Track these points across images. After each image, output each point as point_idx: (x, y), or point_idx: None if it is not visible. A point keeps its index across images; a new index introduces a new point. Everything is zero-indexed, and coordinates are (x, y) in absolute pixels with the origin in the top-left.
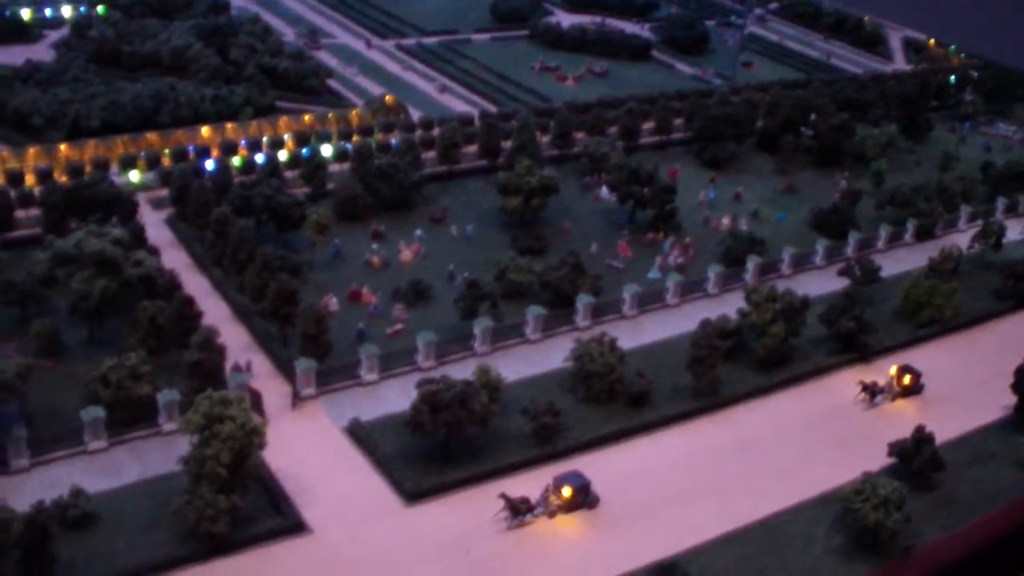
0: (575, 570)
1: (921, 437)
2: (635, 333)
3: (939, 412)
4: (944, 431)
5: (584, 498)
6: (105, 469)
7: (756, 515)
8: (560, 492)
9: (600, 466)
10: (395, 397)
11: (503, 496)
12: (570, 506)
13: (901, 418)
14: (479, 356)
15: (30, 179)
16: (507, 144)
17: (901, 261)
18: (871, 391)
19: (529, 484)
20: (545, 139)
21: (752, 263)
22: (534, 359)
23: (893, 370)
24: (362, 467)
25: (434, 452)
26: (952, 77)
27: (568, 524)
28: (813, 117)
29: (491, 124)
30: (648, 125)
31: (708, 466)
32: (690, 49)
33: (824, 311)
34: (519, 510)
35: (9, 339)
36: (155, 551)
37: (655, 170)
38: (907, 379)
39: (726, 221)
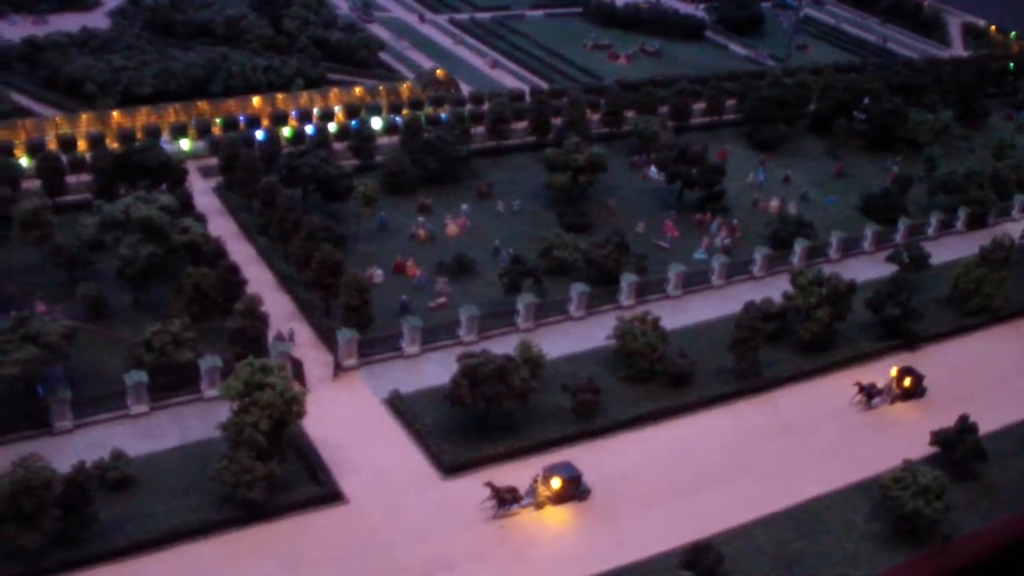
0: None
1: (965, 426)
2: (678, 313)
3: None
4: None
5: (575, 490)
6: (146, 433)
7: (794, 499)
8: (549, 483)
9: (638, 445)
10: (436, 370)
11: (489, 484)
12: (559, 498)
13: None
14: (521, 332)
15: (82, 145)
16: (557, 121)
17: (951, 249)
18: (868, 393)
19: (574, 454)
20: (595, 117)
21: (799, 246)
22: (576, 336)
23: (893, 371)
24: (400, 439)
25: (473, 426)
26: (1011, 64)
27: (568, 513)
28: (866, 101)
29: (541, 100)
30: (699, 105)
31: (747, 448)
32: (744, 30)
33: (870, 297)
34: (505, 500)
35: (56, 302)
36: (192, 515)
37: (704, 150)
38: (907, 381)
39: (774, 203)
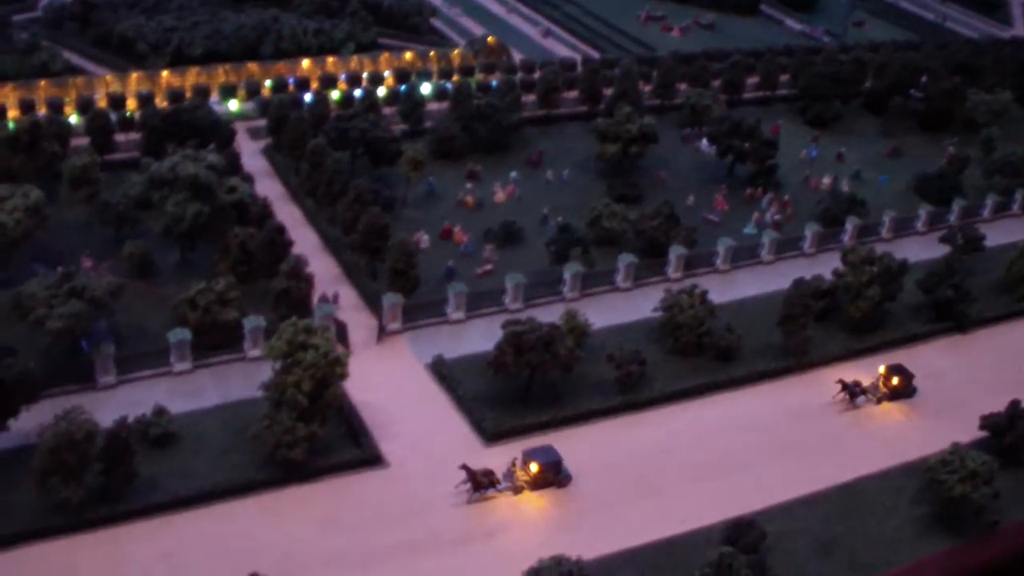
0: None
1: (1016, 411)
2: (727, 287)
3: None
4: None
5: (555, 475)
6: (188, 390)
7: (838, 479)
8: (528, 467)
9: (682, 419)
10: (480, 337)
11: (464, 467)
12: (537, 483)
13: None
14: (567, 301)
15: (132, 103)
16: (608, 92)
17: (1007, 232)
18: (851, 391)
19: (607, 433)
20: (647, 88)
21: (851, 224)
22: (623, 307)
23: (882, 369)
24: (443, 404)
25: (516, 394)
26: None
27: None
28: (924, 80)
29: (593, 70)
30: (753, 80)
31: (792, 426)
32: (801, 5)
33: (922, 277)
34: (481, 484)
35: (103, 259)
36: (232, 473)
37: (757, 125)
38: (896, 380)
39: (827, 180)
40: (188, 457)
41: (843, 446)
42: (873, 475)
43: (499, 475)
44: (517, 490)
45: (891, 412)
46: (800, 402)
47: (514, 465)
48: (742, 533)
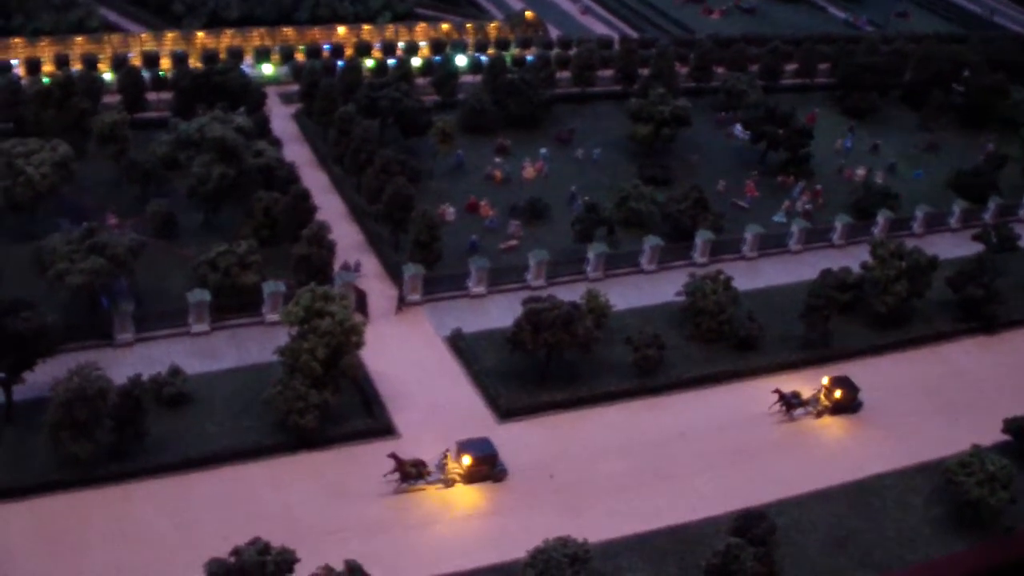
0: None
1: None
2: (752, 275)
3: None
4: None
5: (490, 469)
6: (204, 352)
7: (853, 475)
8: (460, 459)
9: (698, 406)
10: (500, 312)
11: (393, 456)
12: (470, 476)
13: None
14: (590, 281)
15: (165, 63)
16: (644, 72)
17: None
18: (787, 402)
19: (622, 416)
20: (683, 70)
21: (883, 217)
22: (646, 290)
23: (825, 380)
24: (459, 378)
25: (533, 372)
26: None
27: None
28: (966, 74)
29: (630, 49)
30: (791, 67)
31: (806, 422)
32: None
33: (952, 275)
34: (409, 474)
35: (128, 217)
36: (243, 437)
37: (793, 112)
38: (838, 393)
39: (860, 172)
40: (200, 418)
41: (861, 442)
42: (890, 472)
43: (431, 466)
44: (448, 483)
45: (895, 413)
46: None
47: (446, 456)
48: (751, 524)
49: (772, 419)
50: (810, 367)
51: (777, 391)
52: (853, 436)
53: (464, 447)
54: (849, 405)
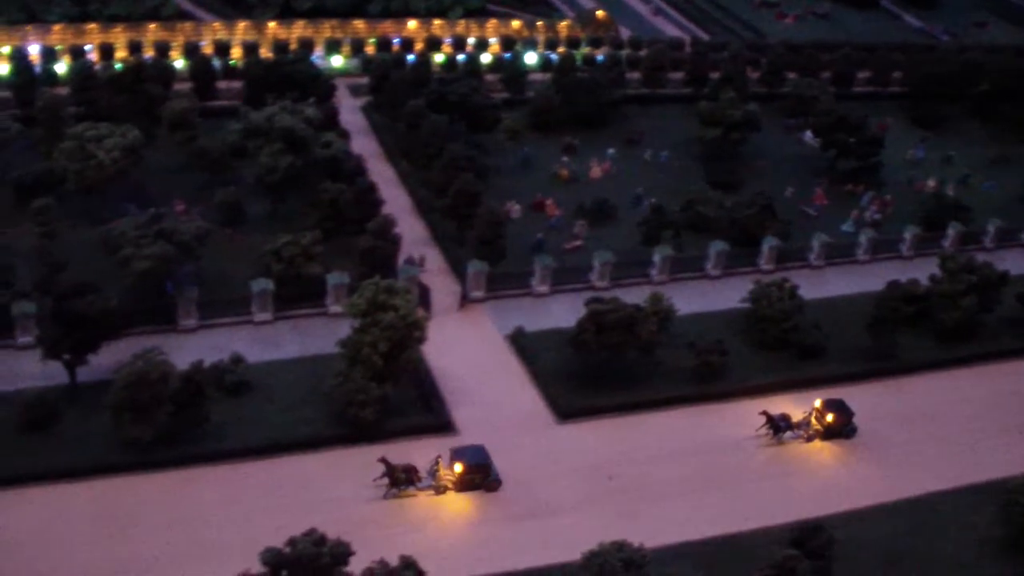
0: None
1: None
2: (818, 284)
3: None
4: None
5: (482, 478)
6: (266, 341)
7: (913, 491)
8: (452, 467)
9: (758, 415)
10: (563, 312)
11: (383, 460)
12: (462, 485)
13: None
14: (654, 284)
15: (236, 52)
16: (714, 75)
17: None
18: (775, 425)
19: (680, 422)
20: (754, 75)
21: (953, 230)
22: (710, 295)
23: (817, 403)
24: (519, 377)
25: (593, 373)
26: None
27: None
28: None
29: (701, 52)
30: (864, 75)
31: (871, 432)
32: (923, 2)
33: (1023, 291)
34: (398, 480)
35: (195, 203)
36: (302, 427)
37: (864, 120)
38: (830, 417)
39: (931, 183)
40: (260, 407)
41: (923, 458)
42: (952, 490)
43: (422, 472)
44: (439, 490)
45: (958, 429)
46: (885, 408)
47: (437, 463)
48: (809, 537)
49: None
50: (874, 379)
51: (764, 413)
52: (918, 450)
53: (457, 454)
54: (841, 430)
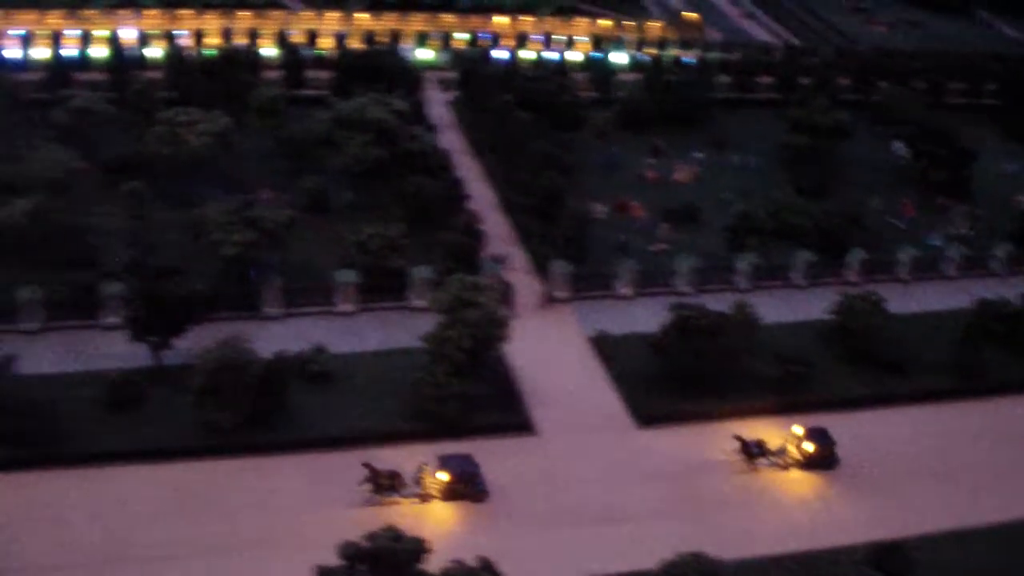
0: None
1: None
2: (905, 298)
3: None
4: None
5: (470, 488)
6: (349, 332)
7: (1000, 516)
8: (437, 475)
9: (840, 428)
10: (646, 316)
11: (367, 466)
12: (448, 494)
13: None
14: (739, 291)
15: (325, 42)
16: (804, 81)
17: None
18: (749, 451)
19: (763, 432)
20: (845, 82)
21: None
22: (795, 304)
23: (799, 431)
24: (600, 380)
25: (675, 379)
26: None
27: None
28: None
29: (792, 57)
30: (957, 85)
31: (958, 452)
32: (1019, 10)
33: None
34: (382, 486)
35: (281, 191)
36: (382, 420)
37: (957, 131)
38: (810, 447)
39: None
40: (340, 397)
41: (1012, 482)
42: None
43: (407, 478)
44: (424, 498)
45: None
46: (970, 428)
47: (422, 471)
48: (887, 558)
49: (914, 447)
50: (961, 399)
51: (738, 437)
52: (1008, 473)
53: (444, 463)
54: (822, 460)
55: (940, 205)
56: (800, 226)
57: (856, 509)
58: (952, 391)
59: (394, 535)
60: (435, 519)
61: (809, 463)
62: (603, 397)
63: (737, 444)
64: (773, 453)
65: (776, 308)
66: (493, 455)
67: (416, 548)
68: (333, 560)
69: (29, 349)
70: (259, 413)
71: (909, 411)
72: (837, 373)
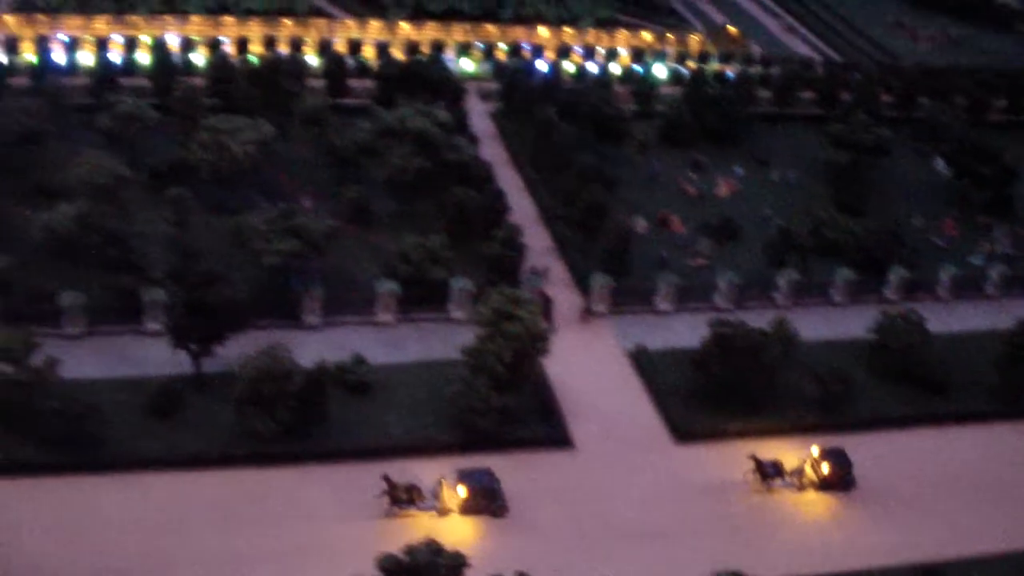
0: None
1: None
2: (946, 318)
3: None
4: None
5: (489, 503)
6: (389, 342)
7: None
8: (456, 490)
9: (878, 448)
10: (685, 331)
11: (385, 478)
12: (466, 508)
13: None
14: (778, 308)
15: (368, 51)
16: (846, 96)
17: None
18: (764, 472)
19: (800, 450)
20: (886, 98)
21: None
22: (834, 322)
23: (814, 451)
24: (639, 395)
25: (714, 395)
26: None
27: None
28: None
29: (833, 72)
30: (1000, 102)
31: (998, 475)
32: None
33: None
34: (399, 499)
35: (323, 200)
36: (420, 431)
37: (1000, 149)
38: (826, 467)
39: None
40: (380, 408)
41: None
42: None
43: (425, 491)
44: (442, 512)
45: None
46: (1011, 449)
47: (440, 484)
48: None
49: (961, 467)
50: (1001, 420)
51: (753, 457)
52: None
53: (463, 477)
54: (839, 481)
55: (982, 224)
56: (840, 243)
57: (879, 532)
58: (993, 412)
59: (434, 548)
60: (450, 533)
61: (823, 484)
62: (641, 412)
63: (753, 463)
64: (790, 474)
65: (815, 325)
66: (529, 469)
67: (456, 563)
68: (367, 572)
69: (71, 353)
70: (299, 423)
71: (948, 432)
72: (876, 392)
